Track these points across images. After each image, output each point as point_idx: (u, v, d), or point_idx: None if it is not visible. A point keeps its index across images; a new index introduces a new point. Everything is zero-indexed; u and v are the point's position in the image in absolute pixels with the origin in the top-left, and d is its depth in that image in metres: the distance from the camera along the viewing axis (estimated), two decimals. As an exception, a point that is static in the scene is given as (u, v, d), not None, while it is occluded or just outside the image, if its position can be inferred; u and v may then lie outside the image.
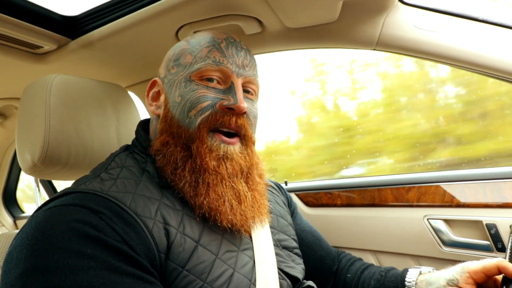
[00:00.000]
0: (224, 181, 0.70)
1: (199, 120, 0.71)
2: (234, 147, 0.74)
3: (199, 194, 0.68)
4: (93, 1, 1.02)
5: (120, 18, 0.99)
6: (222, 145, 0.72)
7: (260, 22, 1.02)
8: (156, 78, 0.82)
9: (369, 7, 0.97)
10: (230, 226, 0.69)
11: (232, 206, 0.69)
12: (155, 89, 0.82)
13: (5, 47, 1.05)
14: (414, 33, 0.96)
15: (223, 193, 0.69)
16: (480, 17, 0.93)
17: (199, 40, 0.78)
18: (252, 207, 0.73)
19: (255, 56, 1.24)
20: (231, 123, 0.72)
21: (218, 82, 0.75)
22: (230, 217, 0.69)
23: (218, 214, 0.68)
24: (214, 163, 0.70)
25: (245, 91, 0.79)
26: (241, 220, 0.70)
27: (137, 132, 0.82)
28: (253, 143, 0.80)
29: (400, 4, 0.98)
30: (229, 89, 0.75)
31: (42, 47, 1.07)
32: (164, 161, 0.71)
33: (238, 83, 0.76)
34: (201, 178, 0.69)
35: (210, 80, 0.74)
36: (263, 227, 0.80)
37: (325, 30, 1.04)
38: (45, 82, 0.87)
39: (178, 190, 0.69)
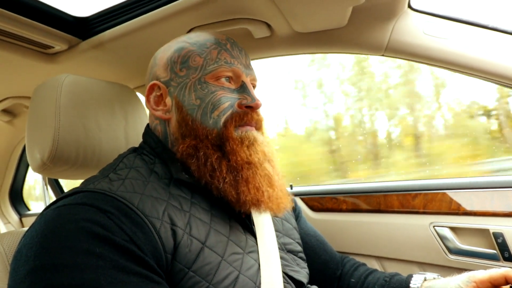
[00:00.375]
0: (257, 171, 0.73)
1: (223, 119, 0.74)
2: (258, 132, 0.78)
3: (241, 192, 0.70)
4: (104, 2, 1.04)
5: (131, 20, 1.00)
6: (249, 132, 0.75)
7: (269, 26, 1.03)
8: (155, 82, 0.79)
9: (378, 13, 0.97)
10: (271, 212, 0.75)
11: (269, 194, 0.73)
12: (156, 93, 0.79)
13: (17, 46, 1.06)
14: (423, 39, 0.96)
15: (260, 184, 0.72)
16: (490, 24, 0.93)
17: (202, 41, 0.79)
18: (281, 190, 0.77)
19: (263, 60, 1.26)
20: (252, 120, 0.76)
21: (230, 82, 0.78)
22: (269, 204, 0.73)
23: (259, 206, 0.72)
24: (246, 152, 0.73)
25: None
26: (276, 204, 0.75)
27: (146, 133, 0.83)
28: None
29: (409, 10, 0.99)
30: (242, 88, 0.78)
31: (53, 47, 1.08)
32: (198, 164, 0.72)
33: (248, 81, 0.80)
34: (239, 175, 0.71)
35: (224, 80, 0.77)
36: (290, 210, 0.85)
37: (334, 35, 1.05)
38: (56, 82, 0.88)
39: (216, 191, 0.71)
